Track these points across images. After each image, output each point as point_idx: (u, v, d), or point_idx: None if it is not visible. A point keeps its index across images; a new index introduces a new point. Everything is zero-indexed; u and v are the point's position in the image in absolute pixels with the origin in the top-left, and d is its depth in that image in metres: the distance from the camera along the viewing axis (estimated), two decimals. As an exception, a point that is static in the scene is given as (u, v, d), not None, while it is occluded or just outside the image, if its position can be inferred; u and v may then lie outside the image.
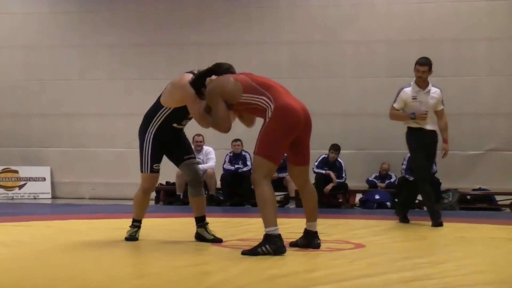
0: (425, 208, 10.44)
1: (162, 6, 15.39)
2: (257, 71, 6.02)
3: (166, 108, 5.99)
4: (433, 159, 8.54)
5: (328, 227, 7.60)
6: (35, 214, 9.99)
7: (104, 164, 15.42)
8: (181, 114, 6.00)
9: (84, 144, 15.55)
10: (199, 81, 5.68)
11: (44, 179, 15.41)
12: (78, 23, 15.69)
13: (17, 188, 15.17)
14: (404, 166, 13.01)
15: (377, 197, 13.02)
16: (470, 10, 14.23)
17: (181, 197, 13.15)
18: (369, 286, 4.09)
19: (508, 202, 13.13)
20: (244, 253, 5.26)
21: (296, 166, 5.67)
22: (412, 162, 8.94)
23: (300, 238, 5.76)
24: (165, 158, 6.28)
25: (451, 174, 12.93)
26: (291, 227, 6.92)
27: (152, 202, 13.12)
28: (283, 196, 13.15)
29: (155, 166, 6.14)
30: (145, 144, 6.10)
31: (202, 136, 13.02)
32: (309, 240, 5.69)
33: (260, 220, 5.39)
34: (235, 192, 13.42)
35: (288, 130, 5.36)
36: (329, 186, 13.04)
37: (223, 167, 13.48)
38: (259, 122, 5.70)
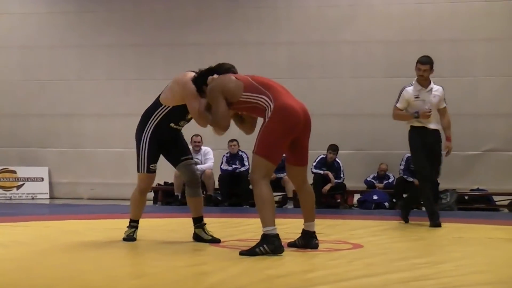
0: (423, 208, 10.46)
1: (160, 6, 15.40)
2: (255, 71, 6.03)
3: (164, 107, 5.98)
4: (439, 160, 8.41)
5: (326, 228, 7.61)
6: (33, 215, 9.98)
7: (102, 165, 15.42)
8: (179, 114, 6.00)
9: (82, 144, 15.56)
10: (200, 79, 5.69)
11: (42, 179, 15.41)
12: (76, 23, 15.69)
13: (15, 188, 15.16)
14: (402, 167, 13.03)
15: (375, 197, 13.03)
16: (468, 10, 14.25)
17: (179, 197, 13.15)
18: (367, 287, 4.09)
19: (506, 202, 13.14)
20: (242, 253, 5.26)
21: (295, 166, 5.67)
22: (413, 162, 8.92)
23: (298, 238, 5.77)
24: (163, 158, 6.27)
25: (449, 174, 12.92)
26: (289, 227, 6.92)
27: (150, 203, 13.23)
28: (281, 196, 13.15)
29: (152, 166, 6.14)
30: (142, 144, 6.09)
31: (200, 136, 13.02)
32: (307, 241, 5.70)
33: (258, 220, 5.39)
34: (233, 193, 13.42)
35: (287, 130, 5.37)
36: (327, 187, 13.05)
37: (220, 168, 13.48)
38: (258, 122, 5.71)
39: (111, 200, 14.35)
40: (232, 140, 13.33)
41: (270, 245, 5.20)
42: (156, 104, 6.05)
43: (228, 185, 13.30)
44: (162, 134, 6.07)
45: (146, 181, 6.23)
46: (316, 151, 12.25)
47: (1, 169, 15.15)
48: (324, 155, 13.28)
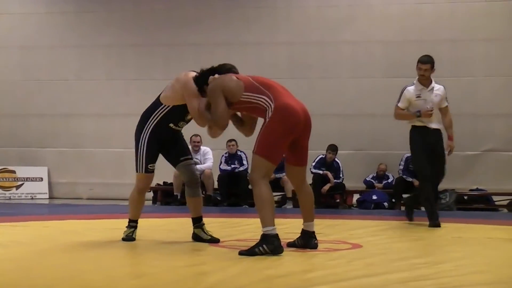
0: (422, 208, 10.45)
1: (159, 6, 15.40)
2: (255, 72, 6.04)
3: (164, 106, 5.98)
4: (442, 160, 8.35)
5: (326, 227, 7.61)
6: (33, 214, 9.97)
7: (101, 165, 15.42)
8: (178, 115, 5.99)
9: (81, 145, 15.56)
10: (202, 79, 5.70)
11: (41, 179, 15.41)
12: (76, 23, 15.69)
13: (14, 188, 15.16)
14: (401, 167, 13.03)
15: (374, 197, 13.03)
16: (468, 11, 14.25)
17: (179, 197, 13.15)
18: (367, 287, 4.10)
19: (505, 202, 13.14)
20: (242, 253, 5.26)
21: (294, 166, 5.67)
22: (413, 162, 8.90)
23: (297, 238, 5.77)
24: (162, 158, 6.27)
25: (449, 174, 12.84)
26: (288, 227, 6.92)
27: (149, 203, 13.23)
28: (280, 196, 13.14)
29: (150, 166, 6.14)
30: (140, 143, 6.09)
31: (199, 136, 13.02)
32: (307, 241, 5.70)
33: (257, 220, 5.39)
34: (232, 193, 13.41)
35: (288, 131, 5.36)
36: (327, 187, 13.05)
37: (219, 168, 13.48)
38: (258, 123, 5.71)
39: (111, 200, 14.35)
40: (230, 140, 13.33)
41: (269, 245, 5.20)
42: (156, 104, 6.05)
43: (227, 185, 13.30)
44: (161, 134, 6.07)
45: (144, 181, 6.23)
46: (315, 151, 12.25)
47: (1, 169, 15.15)
48: (323, 155, 13.28)
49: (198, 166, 12.34)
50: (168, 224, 8.27)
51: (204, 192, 12.64)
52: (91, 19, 15.63)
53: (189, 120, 6.09)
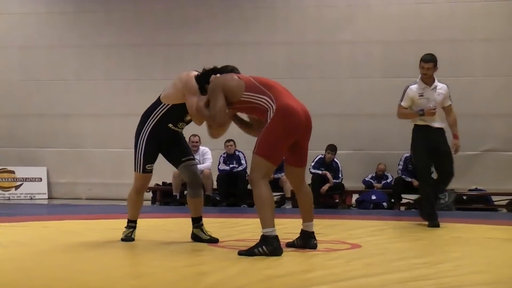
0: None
1: (159, 6, 15.40)
2: (253, 72, 6.04)
3: (164, 105, 5.97)
4: (448, 158, 8.27)
5: (325, 228, 7.61)
6: (32, 215, 9.97)
7: (100, 165, 15.42)
8: (177, 114, 5.98)
9: (80, 145, 15.55)
10: (203, 77, 5.71)
11: (40, 179, 15.41)
12: (75, 23, 15.69)
13: (13, 189, 15.16)
14: (400, 167, 13.03)
15: (373, 197, 13.03)
16: (468, 11, 14.25)
17: (178, 197, 13.16)
18: (366, 287, 4.10)
19: (504, 202, 13.14)
20: (241, 253, 5.26)
21: (294, 167, 5.67)
22: (414, 161, 8.86)
23: (296, 238, 5.76)
24: (161, 159, 6.27)
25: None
26: (287, 227, 6.92)
27: (148, 203, 13.23)
28: (279, 196, 13.14)
29: (148, 167, 6.13)
30: (139, 143, 6.10)
31: (198, 136, 13.01)
32: (306, 241, 5.69)
33: (256, 220, 5.39)
34: (231, 193, 13.41)
35: (288, 132, 5.36)
36: (326, 187, 13.05)
37: (218, 168, 13.47)
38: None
39: (110, 200, 14.35)
40: (228, 141, 13.33)
41: (269, 246, 5.20)
42: (156, 103, 6.05)
43: (225, 185, 13.30)
44: (160, 135, 6.06)
45: (142, 181, 6.23)
46: (314, 151, 12.24)
47: (0, 169, 15.15)
48: (322, 155, 13.28)
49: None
50: (167, 224, 8.26)
51: (203, 192, 12.62)
52: (90, 19, 15.63)
53: (188, 122, 6.08)
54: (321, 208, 12.39)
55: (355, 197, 13.60)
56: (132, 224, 6.32)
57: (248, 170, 12.37)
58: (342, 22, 14.67)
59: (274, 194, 12.31)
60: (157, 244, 6.09)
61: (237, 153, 13.54)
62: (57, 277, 4.35)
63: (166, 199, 13.62)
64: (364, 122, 14.44)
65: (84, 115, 15.52)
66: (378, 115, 14.23)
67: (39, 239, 6.43)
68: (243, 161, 13.37)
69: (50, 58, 15.71)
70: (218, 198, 13.30)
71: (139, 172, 6.14)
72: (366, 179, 13.83)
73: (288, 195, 12.93)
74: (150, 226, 7.50)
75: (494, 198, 13.29)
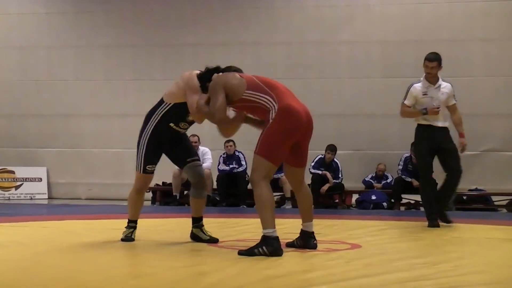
0: (421, 208, 10.44)
1: (158, 6, 15.39)
2: (253, 72, 6.02)
3: (166, 104, 5.96)
4: (454, 155, 8.25)
5: (325, 228, 7.61)
6: (32, 215, 9.97)
7: (100, 165, 15.41)
8: (179, 114, 5.95)
9: (80, 145, 15.55)
10: (206, 75, 5.70)
11: (40, 179, 15.41)
12: (74, 23, 15.69)
13: (13, 189, 15.16)
14: (400, 167, 13.03)
15: (373, 197, 13.02)
16: (467, 11, 14.25)
17: (178, 197, 13.16)
18: (366, 287, 4.10)
19: (504, 202, 13.14)
20: (241, 253, 5.26)
21: (293, 167, 5.67)
22: (417, 161, 8.82)
23: (296, 238, 5.76)
24: (161, 159, 6.26)
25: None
26: (287, 227, 6.91)
27: (148, 203, 13.22)
28: (279, 196, 13.14)
29: (149, 168, 6.13)
30: (141, 143, 6.09)
31: (197, 136, 13.00)
32: (306, 241, 5.69)
33: (256, 220, 5.39)
34: (231, 193, 13.41)
35: (290, 132, 5.35)
36: (326, 187, 13.04)
37: (218, 168, 13.46)
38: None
39: (109, 201, 14.35)
40: (228, 141, 13.33)
41: (269, 247, 5.19)
42: (159, 103, 6.04)
43: (225, 185, 13.30)
44: (162, 135, 6.04)
45: (142, 181, 6.22)
46: (314, 151, 12.23)
47: (0, 169, 15.15)
48: (322, 155, 13.28)
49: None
50: (167, 224, 8.26)
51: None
52: (89, 19, 15.63)
53: (191, 122, 6.05)
54: (321, 208, 12.39)
55: (355, 197, 13.60)
56: (132, 224, 6.31)
57: (248, 171, 12.38)
58: (342, 22, 14.67)
59: (274, 194, 12.34)
60: (157, 244, 6.08)
61: (237, 153, 13.54)
62: (57, 277, 4.35)
63: (166, 199, 13.62)
64: (363, 122, 14.44)
65: (83, 115, 15.52)
66: (378, 115, 14.24)
67: (39, 239, 6.43)
68: (243, 162, 13.36)
69: (49, 59, 15.71)
70: (218, 198, 13.30)
71: (140, 172, 6.14)
72: (366, 179, 13.83)
73: (288, 195, 12.92)
74: (150, 226, 7.50)
75: (494, 198, 13.28)
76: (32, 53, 15.76)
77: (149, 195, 13.72)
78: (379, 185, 13.64)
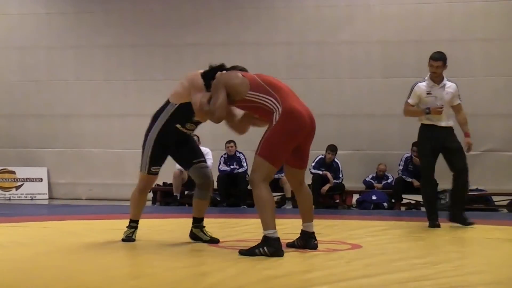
0: (422, 208, 10.44)
1: (158, 7, 15.40)
2: (253, 72, 6.01)
3: (172, 105, 5.93)
4: (459, 154, 8.23)
5: (325, 228, 7.61)
6: (32, 215, 9.97)
7: (100, 165, 15.41)
8: (185, 115, 5.90)
9: (80, 145, 15.56)
10: (209, 74, 5.68)
11: (41, 179, 15.41)
12: (74, 24, 15.69)
13: (14, 189, 15.17)
14: (401, 167, 13.03)
15: (374, 197, 13.02)
16: (466, 11, 14.25)
17: (178, 198, 13.17)
18: (366, 287, 4.10)
19: (505, 202, 13.13)
20: (242, 252, 5.26)
21: (294, 168, 5.66)
22: (420, 161, 8.80)
23: (297, 239, 5.76)
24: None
25: (448, 174, 12.96)
26: (287, 227, 6.91)
27: (149, 203, 13.21)
28: (279, 197, 13.14)
29: (153, 169, 6.12)
30: (147, 144, 6.07)
31: (197, 136, 12.99)
32: (306, 241, 5.69)
33: (256, 220, 5.39)
34: (231, 193, 13.42)
35: (293, 135, 5.34)
36: (326, 187, 13.04)
37: (218, 169, 13.46)
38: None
39: (110, 201, 14.35)
40: (229, 142, 13.34)
41: (270, 247, 5.19)
42: (165, 104, 6.02)
43: (226, 185, 13.31)
44: (168, 136, 6.02)
45: (146, 182, 6.22)
46: (314, 152, 12.21)
47: (0, 170, 15.16)
48: (322, 155, 13.28)
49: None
50: (167, 225, 8.26)
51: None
52: (89, 19, 15.63)
53: (197, 122, 6.02)
54: (321, 208, 12.40)
55: (355, 197, 13.60)
56: (133, 224, 6.30)
57: (249, 172, 12.39)
58: (342, 22, 14.67)
59: (275, 194, 12.32)
60: (157, 244, 6.08)
61: (237, 154, 13.54)
62: (57, 277, 4.35)
63: (167, 199, 13.62)
64: (364, 122, 14.44)
65: (83, 116, 15.52)
66: (378, 115, 14.24)
67: (39, 240, 6.42)
68: (244, 163, 13.36)
69: (50, 59, 15.72)
70: (218, 199, 13.30)
71: (144, 173, 6.13)
72: (367, 179, 13.82)
73: (289, 195, 12.92)
74: (150, 227, 7.49)
75: (494, 198, 13.27)
76: (32, 53, 15.77)
77: (149, 195, 13.70)
78: (379, 185, 13.64)
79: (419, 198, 11.83)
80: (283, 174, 12.59)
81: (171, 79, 14.31)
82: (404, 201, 13.29)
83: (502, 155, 14.06)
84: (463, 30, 14.19)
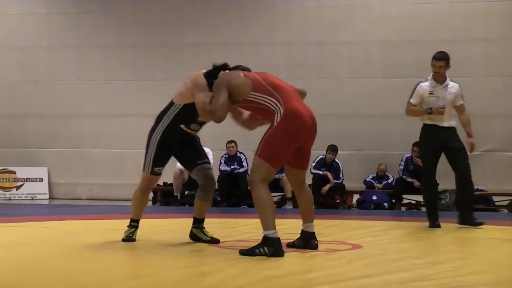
0: (422, 208, 10.43)
1: (158, 7, 15.40)
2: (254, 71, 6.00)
3: (176, 106, 5.92)
4: (461, 154, 8.24)
5: (325, 228, 7.60)
6: (32, 215, 9.97)
7: (100, 165, 15.41)
8: (190, 115, 5.89)
9: (80, 145, 15.55)
10: (212, 73, 5.66)
11: (41, 179, 15.41)
12: (74, 24, 15.70)
13: (14, 189, 15.16)
14: (401, 167, 13.03)
15: (374, 197, 13.02)
16: (467, 11, 14.25)
17: (179, 198, 13.16)
18: (366, 287, 4.09)
19: (505, 203, 13.13)
20: (242, 252, 5.26)
21: (295, 169, 5.66)
22: (421, 161, 8.79)
23: (297, 239, 5.76)
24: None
25: (448, 174, 12.96)
26: (287, 227, 6.91)
27: (149, 203, 13.20)
28: (279, 197, 13.14)
29: (157, 169, 6.11)
30: (150, 144, 6.05)
31: (198, 137, 12.98)
32: (307, 241, 5.69)
33: (257, 221, 5.38)
34: (232, 193, 13.41)
35: (294, 137, 5.34)
36: (326, 187, 13.04)
37: (219, 169, 13.45)
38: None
39: (110, 201, 14.35)
40: (230, 142, 13.33)
41: (270, 248, 5.19)
42: (169, 105, 6.00)
43: (226, 185, 13.30)
44: (172, 137, 6.00)
45: (148, 182, 6.22)
46: (315, 152, 12.15)
47: (1, 170, 15.16)
48: (323, 155, 13.28)
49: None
50: (168, 225, 8.26)
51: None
52: (90, 20, 15.63)
53: (201, 123, 6.00)
54: (322, 208, 12.39)
55: (356, 197, 13.59)
56: (134, 224, 6.30)
57: (249, 172, 12.38)
58: (342, 22, 14.67)
59: (275, 194, 12.37)
60: (157, 244, 6.08)
61: (238, 154, 13.53)
62: (58, 277, 4.35)
63: (167, 199, 13.61)
64: (364, 122, 14.43)
65: (84, 116, 15.52)
66: (378, 115, 14.24)
67: (40, 240, 6.43)
68: (244, 163, 13.35)
69: (50, 59, 15.72)
70: (218, 199, 13.29)
71: (147, 173, 6.12)
72: (367, 179, 13.82)
73: (289, 195, 12.91)
74: (151, 227, 7.49)
75: (495, 198, 13.26)
76: (32, 53, 15.77)
77: (150, 195, 13.67)
78: (380, 186, 13.64)
79: (419, 198, 11.85)
80: (283, 174, 12.62)
81: (171, 79, 14.35)
82: (405, 201, 13.29)
83: (502, 155, 14.05)
84: (463, 30, 14.19)
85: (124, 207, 10.68)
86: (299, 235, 5.77)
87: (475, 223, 8.14)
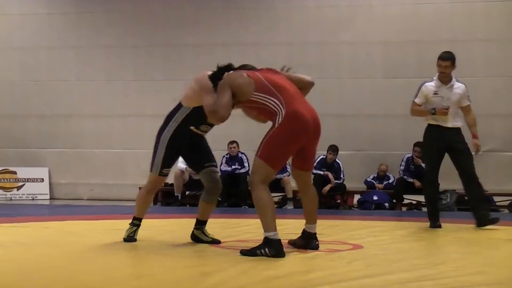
0: (423, 209, 10.43)
1: (158, 7, 15.40)
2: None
3: (185, 108, 5.91)
4: (466, 156, 8.22)
5: (326, 228, 7.60)
6: (33, 215, 9.98)
7: (101, 165, 15.40)
8: (199, 117, 5.85)
9: (81, 145, 15.56)
10: (217, 74, 5.66)
11: (42, 180, 15.42)
12: (75, 24, 15.70)
13: (15, 189, 15.17)
14: (402, 167, 13.03)
15: (375, 198, 13.02)
16: (467, 11, 14.25)
17: (179, 198, 13.15)
18: (367, 287, 4.10)
19: (506, 203, 13.12)
20: (243, 252, 5.26)
21: (300, 170, 5.65)
22: (423, 161, 8.75)
23: (298, 237, 5.76)
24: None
25: (449, 175, 12.96)
26: (288, 228, 6.92)
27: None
28: (280, 197, 13.14)
29: (165, 171, 6.09)
30: (159, 146, 6.04)
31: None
32: (308, 241, 5.69)
33: (258, 221, 5.38)
34: (233, 193, 13.41)
35: (294, 139, 5.33)
36: (327, 187, 13.04)
37: (220, 169, 13.44)
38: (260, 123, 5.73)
39: (111, 201, 14.34)
40: (231, 142, 13.31)
41: (271, 249, 5.18)
42: (178, 106, 5.98)
43: (227, 185, 13.29)
44: (182, 139, 5.99)
45: (156, 183, 6.22)
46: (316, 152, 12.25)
47: (2, 170, 15.17)
48: (324, 155, 13.27)
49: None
50: (168, 225, 8.26)
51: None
52: (90, 20, 15.64)
53: (211, 124, 5.97)
54: (322, 208, 12.36)
55: (356, 197, 13.59)
56: (136, 222, 6.29)
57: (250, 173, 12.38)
58: (343, 22, 14.67)
59: (276, 194, 12.37)
60: (158, 244, 6.08)
61: (239, 154, 13.52)
62: (58, 277, 4.35)
63: (168, 199, 13.60)
64: (365, 123, 14.43)
65: (84, 116, 15.52)
66: (379, 115, 14.24)
67: (41, 240, 6.43)
68: (245, 164, 13.34)
69: (50, 59, 15.73)
70: (219, 199, 13.28)
71: (156, 174, 6.11)
72: (368, 179, 13.82)
73: (290, 195, 12.93)
74: (152, 227, 7.48)
75: (495, 198, 13.25)
76: (33, 54, 15.78)
77: (150, 195, 13.70)
78: (380, 186, 13.64)
79: (420, 198, 11.85)
80: (285, 174, 12.66)
81: (172, 79, 14.37)
82: (405, 201, 13.28)
83: (503, 155, 14.05)
84: (463, 30, 14.18)
85: (125, 207, 10.69)
86: (299, 235, 5.76)
87: (490, 221, 8.04)
